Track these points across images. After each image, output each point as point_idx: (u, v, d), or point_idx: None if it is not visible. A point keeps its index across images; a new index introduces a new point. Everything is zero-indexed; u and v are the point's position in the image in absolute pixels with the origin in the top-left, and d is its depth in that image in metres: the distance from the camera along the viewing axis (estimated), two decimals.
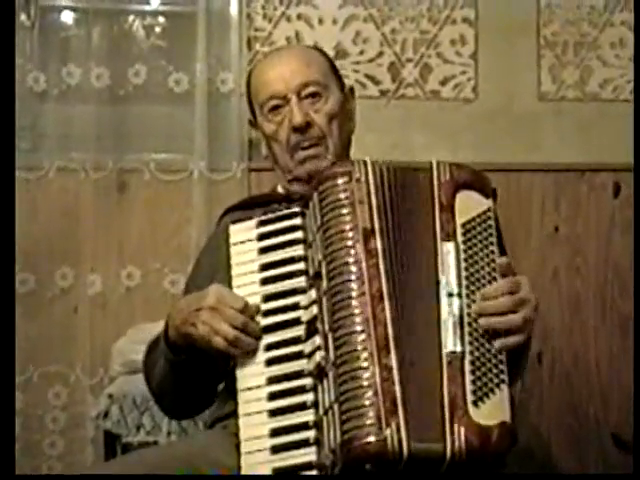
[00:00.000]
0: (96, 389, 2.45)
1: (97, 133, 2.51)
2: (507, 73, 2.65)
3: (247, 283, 1.47)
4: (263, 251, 1.48)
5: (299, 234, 1.47)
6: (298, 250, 1.46)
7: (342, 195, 1.43)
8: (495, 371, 1.35)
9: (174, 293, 2.47)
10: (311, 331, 1.40)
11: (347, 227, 1.40)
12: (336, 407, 1.32)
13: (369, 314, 1.35)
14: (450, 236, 1.42)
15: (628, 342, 2.64)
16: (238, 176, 2.53)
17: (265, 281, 1.47)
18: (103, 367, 2.46)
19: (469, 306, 1.38)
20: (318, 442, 1.35)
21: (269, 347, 1.43)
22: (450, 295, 1.39)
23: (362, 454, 1.29)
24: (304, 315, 1.42)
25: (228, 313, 1.44)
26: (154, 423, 2.18)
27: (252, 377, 1.42)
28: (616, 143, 2.63)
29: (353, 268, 1.38)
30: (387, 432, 1.28)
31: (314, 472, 1.34)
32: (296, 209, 1.49)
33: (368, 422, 1.29)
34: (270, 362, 1.42)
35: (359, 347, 1.33)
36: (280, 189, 1.78)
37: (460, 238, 1.42)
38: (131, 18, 2.59)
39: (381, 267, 1.38)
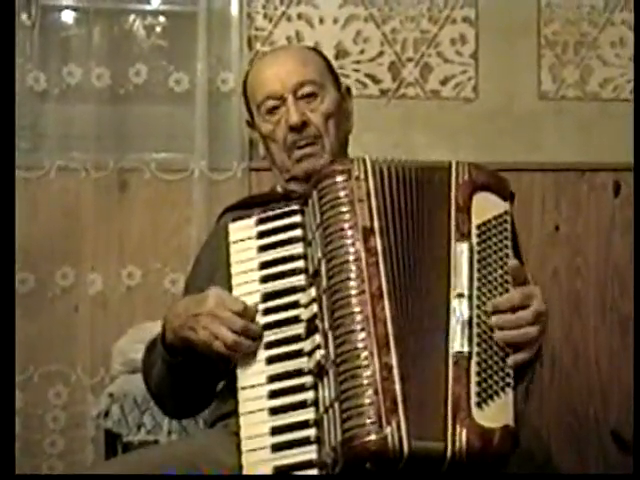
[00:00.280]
0: (97, 388, 2.46)
1: (98, 133, 2.51)
2: (507, 72, 2.66)
3: (247, 281, 1.47)
4: (262, 249, 1.48)
5: (298, 232, 1.47)
6: (297, 248, 1.46)
7: (341, 193, 1.42)
8: (501, 374, 1.35)
9: (174, 292, 2.47)
10: (311, 329, 1.40)
11: (346, 225, 1.40)
12: (336, 405, 1.32)
13: (369, 312, 1.35)
14: (465, 237, 1.41)
15: (628, 342, 2.65)
16: (238, 176, 2.53)
17: (265, 279, 1.46)
18: (104, 366, 2.46)
19: (479, 307, 1.37)
20: (319, 440, 1.34)
21: (269, 345, 1.43)
22: (460, 296, 1.38)
23: (363, 452, 1.28)
24: (304, 313, 1.41)
25: (227, 317, 1.43)
26: (155, 422, 2.19)
27: (252, 375, 1.42)
28: (616, 143, 2.64)
29: (353, 266, 1.38)
30: (387, 430, 1.28)
31: (315, 470, 1.34)
32: (295, 207, 1.49)
33: (368, 420, 1.29)
34: (270, 360, 1.42)
35: (359, 345, 1.33)
36: (279, 189, 1.78)
37: (475, 239, 1.41)
38: (132, 18, 2.60)
39: (381, 266, 1.38)
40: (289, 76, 1.70)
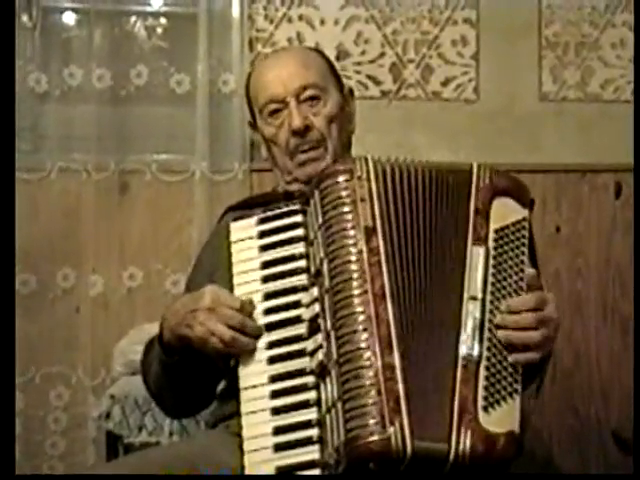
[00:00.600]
0: (98, 390, 2.45)
1: (98, 134, 2.51)
2: (508, 74, 2.66)
3: (248, 281, 1.47)
4: (264, 249, 1.48)
5: (300, 231, 1.46)
6: (299, 247, 1.46)
7: (343, 193, 1.42)
8: (509, 380, 1.34)
9: (176, 294, 2.46)
10: (313, 329, 1.39)
11: (348, 225, 1.40)
12: (339, 405, 1.32)
13: (371, 312, 1.34)
14: (481, 240, 1.41)
15: (629, 342, 2.65)
16: (240, 177, 2.53)
17: (266, 279, 1.46)
18: (105, 368, 2.46)
19: (491, 312, 1.37)
20: (321, 440, 1.34)
21: (271, 345, 1.42)
22: (473, 299, 1.38)
23: (366, 452, 1.28)
24: (306, 313, 1.41)
25: (224, 313, 1.43)
26: (156, 424, 2.18)
27: (254, 375, 1.42)
28: (617, 143, 2.64)
29: (355, 266, 1.37)
30: (390, 430, 1.27)
31: (317, 471, 1.34)
32: (297, 206, 1.48)
33: (371, 421, 1.28)
34: (272, 360, 1.42)
35: (362, 345, 1.33)
36: (281, 190, 1.78)
37: (491, 244, 1.41)
38: (133, 19, 2.60)
39: (384, 266, 1.38)
40: (291, 79, 1.69)
